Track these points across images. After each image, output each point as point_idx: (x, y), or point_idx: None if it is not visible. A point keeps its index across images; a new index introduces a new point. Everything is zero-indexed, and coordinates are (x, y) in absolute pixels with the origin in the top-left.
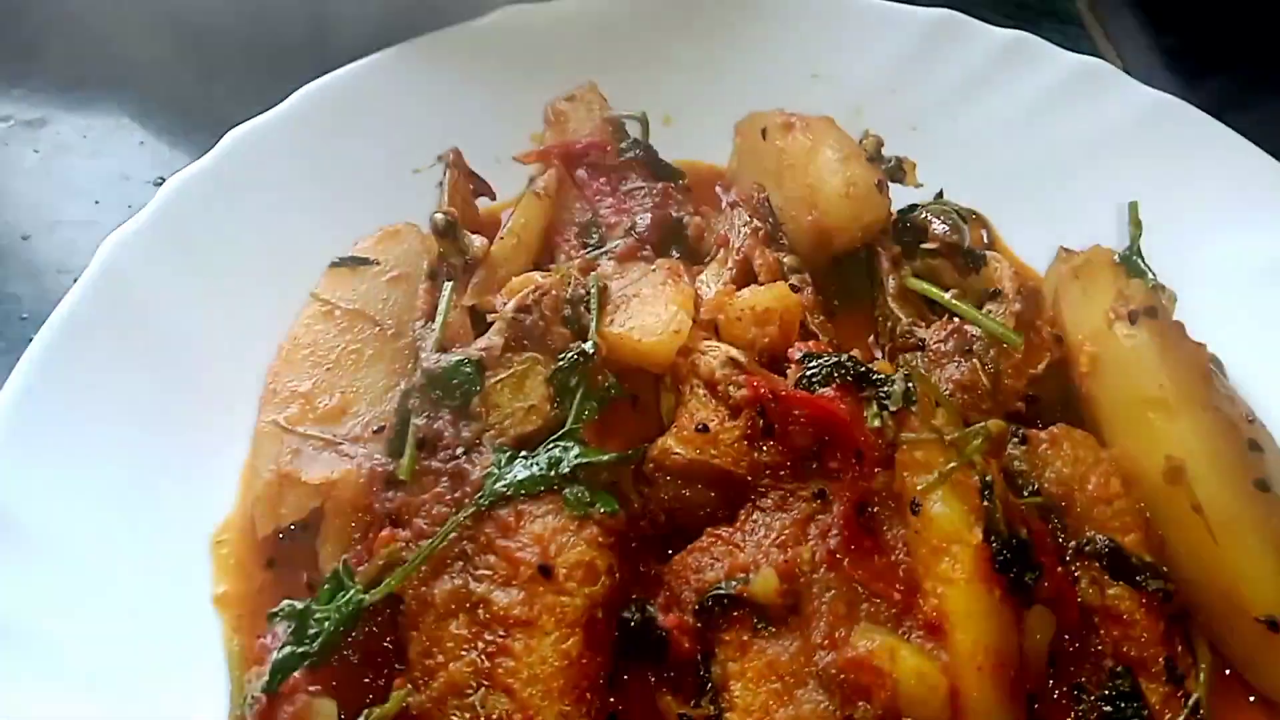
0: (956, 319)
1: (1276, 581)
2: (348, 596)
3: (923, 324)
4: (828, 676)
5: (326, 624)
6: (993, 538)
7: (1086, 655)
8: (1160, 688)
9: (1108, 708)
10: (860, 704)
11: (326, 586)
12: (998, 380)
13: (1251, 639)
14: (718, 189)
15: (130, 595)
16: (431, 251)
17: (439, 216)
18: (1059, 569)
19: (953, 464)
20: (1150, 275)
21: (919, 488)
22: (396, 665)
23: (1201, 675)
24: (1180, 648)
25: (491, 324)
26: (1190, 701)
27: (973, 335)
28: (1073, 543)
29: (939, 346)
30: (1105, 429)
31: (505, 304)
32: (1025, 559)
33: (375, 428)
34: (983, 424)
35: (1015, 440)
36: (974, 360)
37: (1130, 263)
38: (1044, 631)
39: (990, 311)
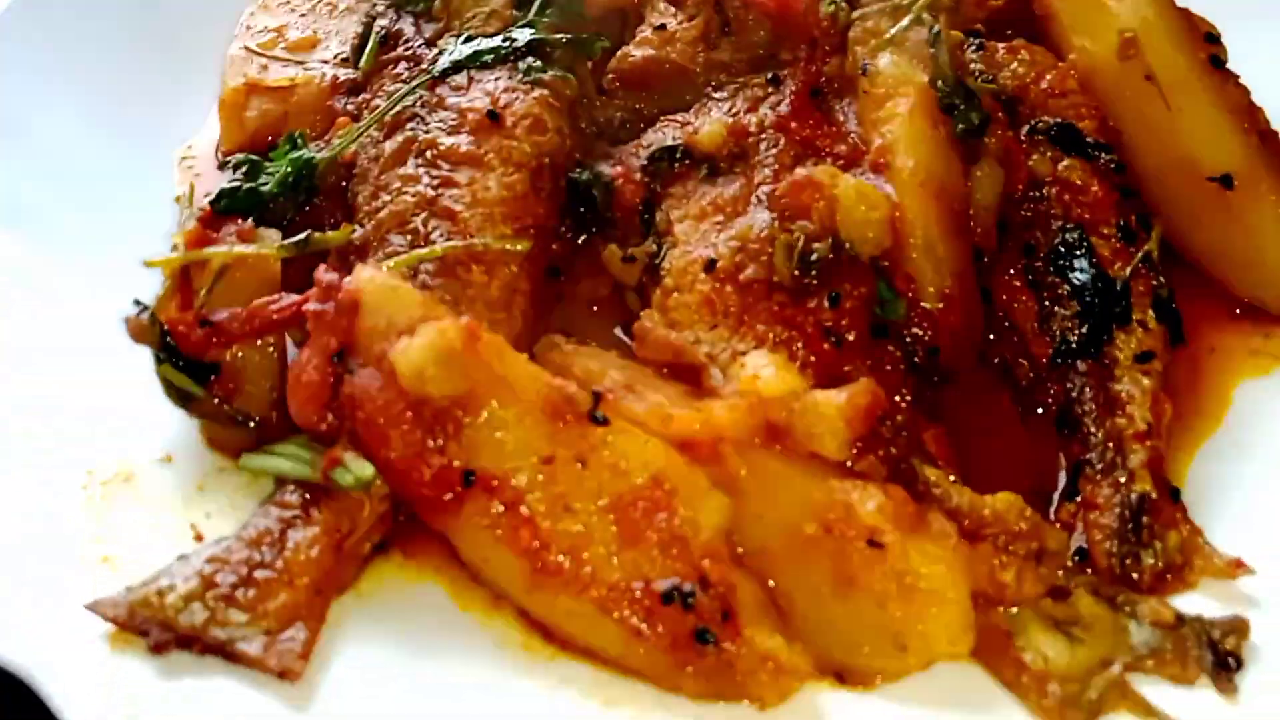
0: None
1: (1228, 141)
2: (300, 154)
3: None
4: (769, 199)
5: (276, 174)
6: (939, 82)
7: (1037, 221)
8: (1112, 243)
9: (1056, 256)
10: (799, 221)
11: (281, 149)
12: (959, 6)
13: (1205, 204)
14: None
15: (98, 196)
16: None
17: None
18: (1008, 134)
19: (903, 22)
20: None
21: (870, 51)
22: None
23: (1154, 235)
24: (1132, 217)
25: None
26: (1141, 253)
27: None
28: (1025, 127)
29: None
30: (1065, 37)
31: None
32: (972, 104)
33: (342, 56)
34: None
35: (973, 46)
36: None
37: None
38: (992, 186)
39: None
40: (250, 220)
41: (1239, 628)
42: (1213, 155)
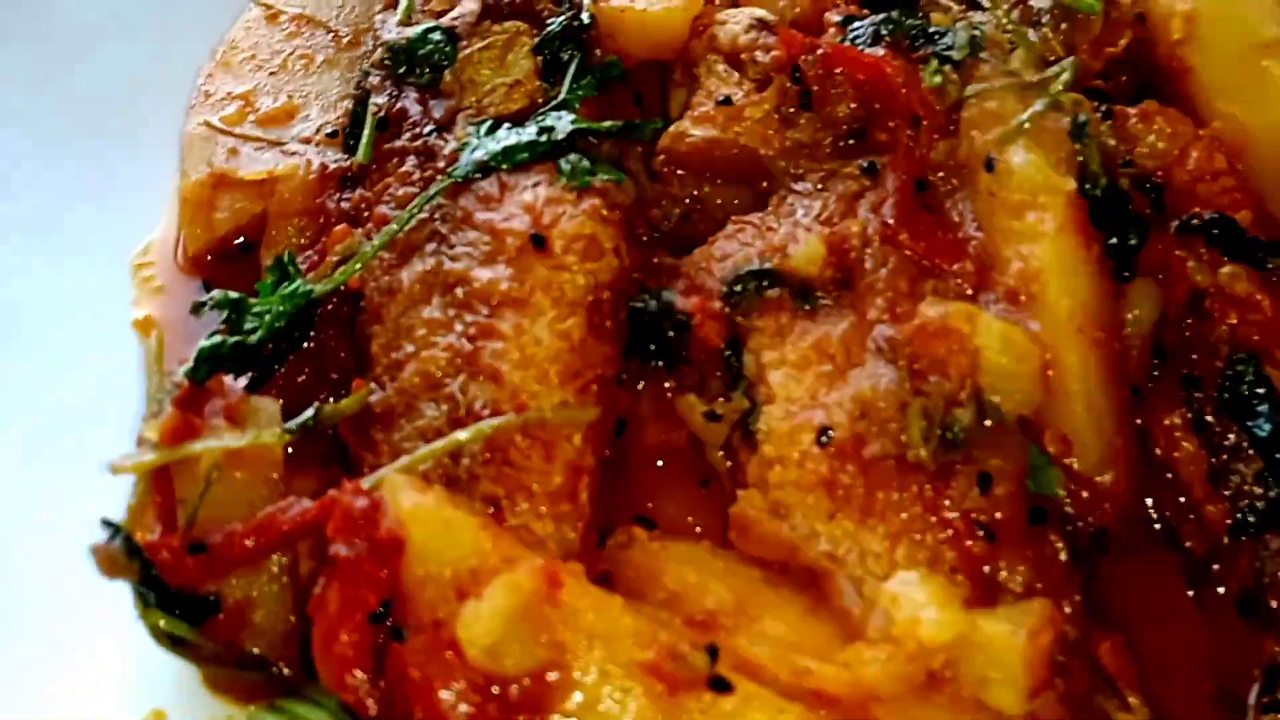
0: None
1: None
2: (292, 287)
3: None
4: (891, 348)
5: (266, 316)
6: (1088, 185)
7: (1198, 345)
8: None
9: (1227, 397)
10: (933, 378)
11: (268, 279)
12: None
13: None
14: None
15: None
16: None
17: None
18: (1161, 242)
19: (1035, 105)
20: None
21: (993, 140)
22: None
23: None
24: None
25: None
26: None
27: (1038, 8)
28: (1173, 222)
29: (1002, 22)
30: (1206, 101)
31: None
32: (1127, 213)
33: (329, 131)
34: (1070, 58)
35: (1099, 114)
36: (1044, 31)
37: None
38: (1148, 309)
39: None
40: (238, 381)
41: None
42: None
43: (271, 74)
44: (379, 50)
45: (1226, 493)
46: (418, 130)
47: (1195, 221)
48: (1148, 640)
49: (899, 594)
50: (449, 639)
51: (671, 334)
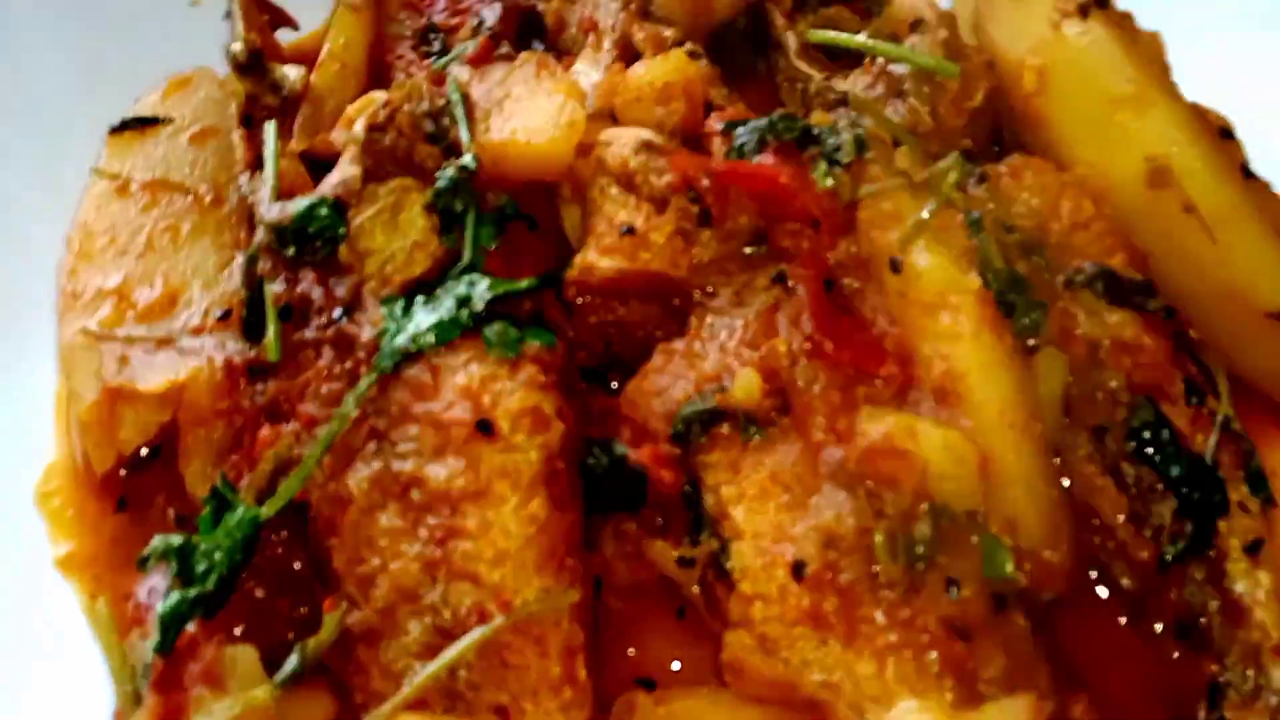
0: (878, 61)
1: None
2: (236, 517)
3: (838, 76)
4: (844, 474)
5: (217, 555)
6: (989, 278)
7: (1100, 395)
8: (1183, 410)
9: (1134, 443)
10: (887, 495)
11: (206, 511)
12: (937, 120)
13: (1264, 339)
14: None
15: None
16: (237, 95)
17: (237, 47)
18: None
19: (929, 205)
20: None
21: (895, 241)
22: (320, 588)
23: (1221, 388)
24: (1193, 368)
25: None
26: (1219, 419)
27: (899, 75)
28: (1060, 277)
29: (866, 94)
30: (1064, 148)
31: (349, 134)
32: (1027, 297)
33: (219, 313)
34: (954, 153)
35: (973, 180)
36: (910, 100)
37: None
38: (1057, 376)
39: (914, 45)
40: (206, 636)
41: None
42: (1267, 289)
43: (139, 257)
44: (262, 232)
45: (1148, 532)
46: (326, 317)
47: (1080, 277)
48: (1103, 682)
49: None
50: None
51: (627, 484)
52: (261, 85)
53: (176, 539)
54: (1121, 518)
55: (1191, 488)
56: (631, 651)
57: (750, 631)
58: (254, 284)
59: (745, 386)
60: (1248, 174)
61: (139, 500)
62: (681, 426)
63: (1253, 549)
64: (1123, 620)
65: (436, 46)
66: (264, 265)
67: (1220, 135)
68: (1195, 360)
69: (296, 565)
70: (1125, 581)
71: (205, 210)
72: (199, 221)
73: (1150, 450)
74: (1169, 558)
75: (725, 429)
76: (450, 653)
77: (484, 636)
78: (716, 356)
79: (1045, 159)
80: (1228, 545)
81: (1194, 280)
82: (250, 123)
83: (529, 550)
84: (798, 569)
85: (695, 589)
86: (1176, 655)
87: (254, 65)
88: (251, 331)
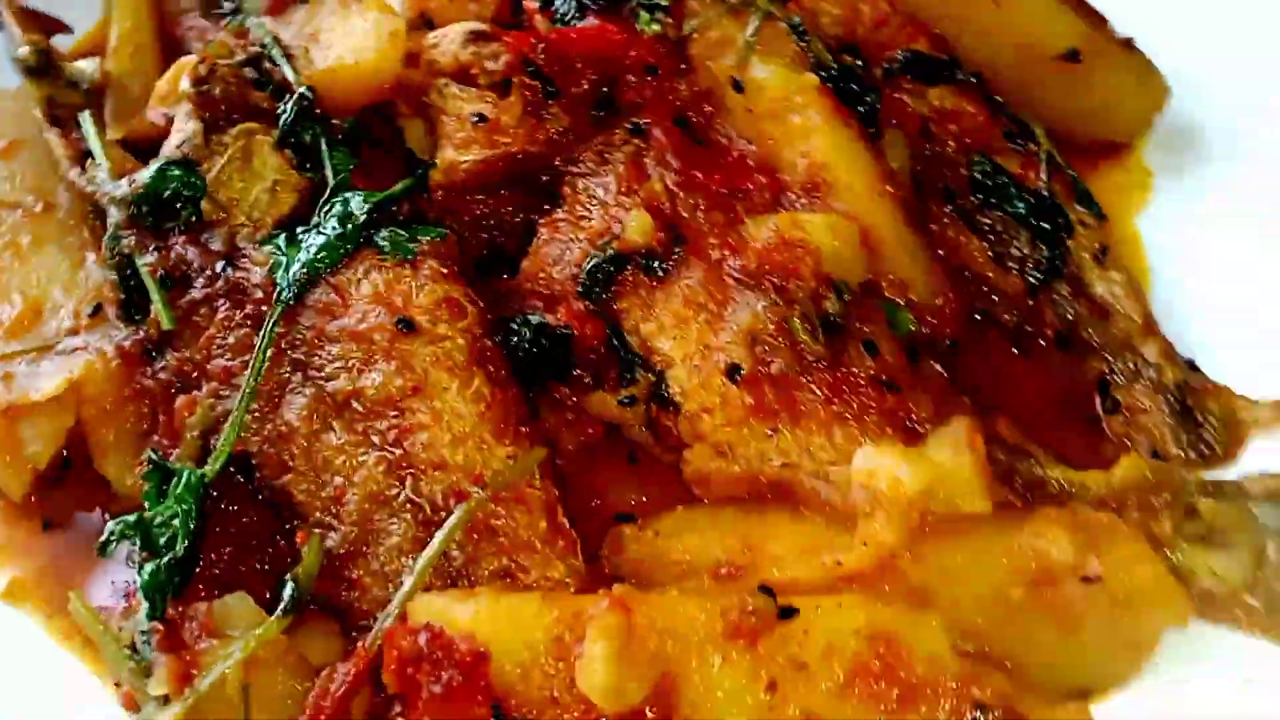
0: None
1: (1062, 20)
2: (182, 482)
3: None
4: (749, 278)
5: (175, 521)
6: (823, 74)
7: (942, 162)
8: (1012, 156)
9: (980, 195)
10: (791, 284)
11: (149, 487)
12: None
13: (1052, 79)
14: None
15: None
16: (38, 101)
17: (24, 51)
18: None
19: (753, 23)
20: None
21: (730, 65)
22: (287, 526)
23: (1038, 132)
24: (1008, 120)
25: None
26: (1043, 155)
27: None
28: (877, 70)
29: None
30: None
31: (180, 90)
32: (860, 84)
33: (89, 310)
34: None
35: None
36: None
37: None
38: (902, 154)
39: None
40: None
41: None
42: (1051, 35)
43: None
44: (115, 210)
45: (1013, 266)
46: (210, 272)
47: (895, 66)
48: (1011, 403)
49: (872, 468)
50: (570, 704)
51: (553, 349)
52: (58, 84)
53: (131, 518)
54: (987, 261)
55: (1038, 217)
56: (595, 503)
57: (705, 443)
58: (123, 265)
59: (638, 226)
60: None
61: (64, 516)
62: (588, 280)
63: (1100, 256)
64: (1015, 351)
65: (227, 7)
66: (128, 242)
67: None
68: (1009, 116)
69: (252, 518)
70: (1006, 316)
71: (38, 219)
72: (37, 231)
73: (994, 197)
74: (1034, 282)
75: (630, 273)
76: (441, 534)
77: (468, 512)
78: (599, 213)
79: None
80: (1080, 259)
81: (990, 47)
82: (59, 122)
83: (484, 426)
84: (732, 373)
85: (642, 429)
86: (1064, 364)
87: (45, 65)
88: (131, 313)
